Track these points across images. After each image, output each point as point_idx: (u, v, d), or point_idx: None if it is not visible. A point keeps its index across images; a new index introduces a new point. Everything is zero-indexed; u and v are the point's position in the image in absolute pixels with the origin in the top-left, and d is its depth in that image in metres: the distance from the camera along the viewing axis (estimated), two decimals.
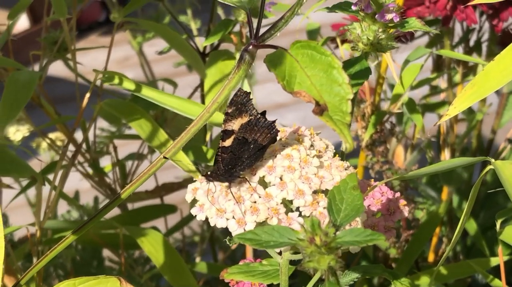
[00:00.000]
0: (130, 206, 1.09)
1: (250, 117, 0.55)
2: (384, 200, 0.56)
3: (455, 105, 0.56)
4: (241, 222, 0.52)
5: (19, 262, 0.92)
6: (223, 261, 1.14)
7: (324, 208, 0.52)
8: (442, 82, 1.21)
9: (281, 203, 0.53)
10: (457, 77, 1.13)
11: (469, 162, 0.57)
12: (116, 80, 0.74)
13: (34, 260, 0.77)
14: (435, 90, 1.22)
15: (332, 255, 0.42)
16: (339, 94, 0.47)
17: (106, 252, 1.24)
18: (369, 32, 0.61)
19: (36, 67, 0.91)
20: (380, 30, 0.61)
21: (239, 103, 0.55)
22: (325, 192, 0.54)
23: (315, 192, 0.53)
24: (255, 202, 0.53)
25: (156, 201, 1.07)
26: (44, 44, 0.92)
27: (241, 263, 0.64)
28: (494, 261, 0.82)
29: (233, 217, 0.53)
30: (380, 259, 1.11)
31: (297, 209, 0.53)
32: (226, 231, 1.29)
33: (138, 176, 0.57)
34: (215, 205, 0.54)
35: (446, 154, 1.19)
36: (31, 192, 1.27)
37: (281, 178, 0.54)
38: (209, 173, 0.56)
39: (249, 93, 0.55)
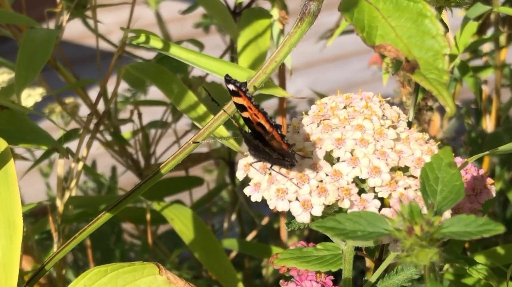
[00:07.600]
0: None
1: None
2: (468, 178, 0.48)
3: None
4: (306, 205, 0.44)
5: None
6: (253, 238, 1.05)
7: (405, 188, 0.44)
8: (484, 46, 1.13)
9: (352, 182, 0.45)
10: (501, 40, 1.06)
11: None
12: (142, 38, 0.66)
13: (55, 238, 0.69)
14: (476, 54, 1.14)
15: (434, 249, 0.34)
16: (432, 48, 0.39)
17: (124, 224, 1.17)
18: None
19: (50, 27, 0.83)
20: None
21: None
22: (403, 169, 0.46)
23: (392, 169, 0.45)
24: (321, 181, 0.45)
25: (181, 173, 0.99)
26: (61, 0, 0.83)
27: (292, 247, 0.57)
28: None
29: (297, 199, 0.45)
30: None
31: (372, 189, 0.45)
32: (253, 206, 1.21)
33: (186, 143, 0.49)
34: (274, 184, 0.46)
35: (487, 121, 1.12)
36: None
37: (352, 153, 0.46)
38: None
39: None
